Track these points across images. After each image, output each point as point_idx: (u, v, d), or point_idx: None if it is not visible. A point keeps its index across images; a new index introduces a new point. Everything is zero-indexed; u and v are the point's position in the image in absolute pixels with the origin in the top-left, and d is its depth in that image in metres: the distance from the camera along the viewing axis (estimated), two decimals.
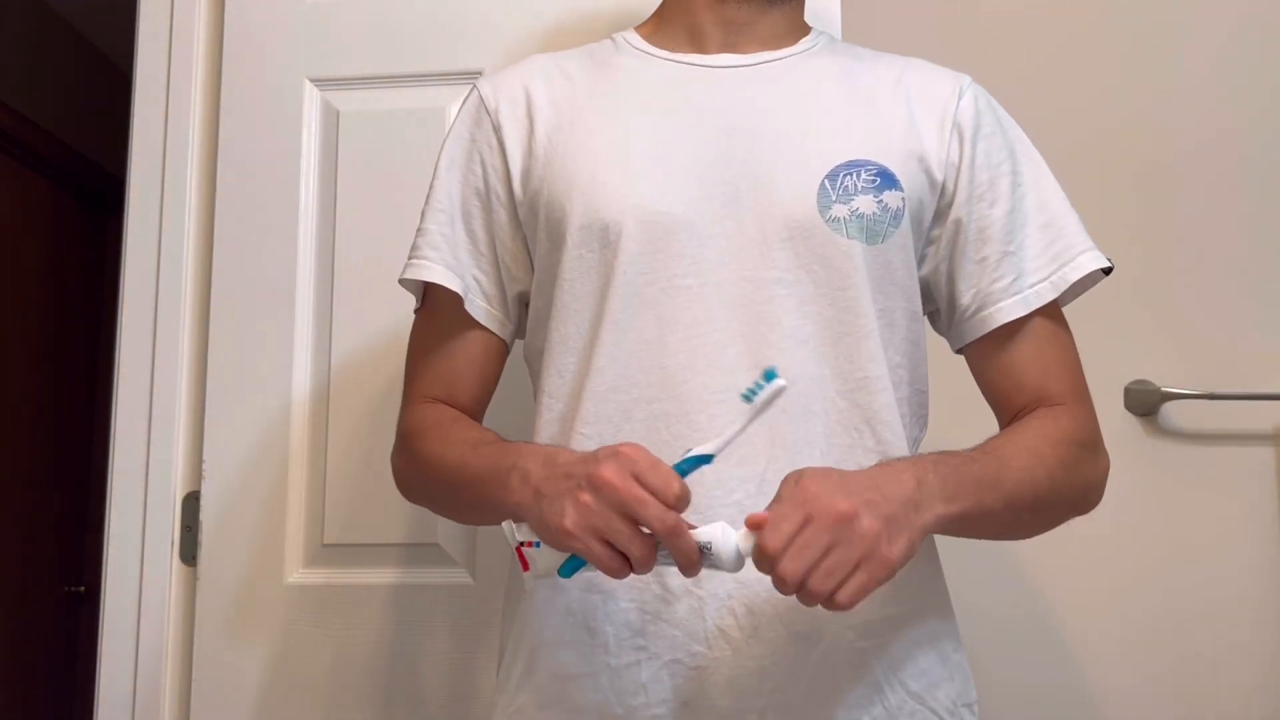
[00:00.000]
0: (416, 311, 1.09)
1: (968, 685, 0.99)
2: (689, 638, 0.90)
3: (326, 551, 1.43)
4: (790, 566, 0.76)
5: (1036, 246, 0.99)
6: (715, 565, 0.80)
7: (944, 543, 1.56)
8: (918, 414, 1.01)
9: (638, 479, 0.78)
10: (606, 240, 0.96)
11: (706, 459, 0.82)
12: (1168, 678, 1.46)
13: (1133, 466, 1.51)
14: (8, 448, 2.68)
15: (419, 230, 1.06)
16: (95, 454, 3.00)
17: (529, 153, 1.02)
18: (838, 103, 1.01)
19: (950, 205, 1.00)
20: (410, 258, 1.05)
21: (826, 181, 0.95)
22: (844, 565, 0.77)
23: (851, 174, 0.95)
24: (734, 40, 1.03)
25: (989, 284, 0.99)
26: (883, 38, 1.61)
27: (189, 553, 1.47)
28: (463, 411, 1.04)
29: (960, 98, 1.02)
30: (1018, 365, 0.99)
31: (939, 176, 0.99)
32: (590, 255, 0.97)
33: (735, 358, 0.93)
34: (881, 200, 0.95)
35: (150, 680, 1.45)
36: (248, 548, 1.44)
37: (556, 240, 0.99)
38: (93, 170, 3.01)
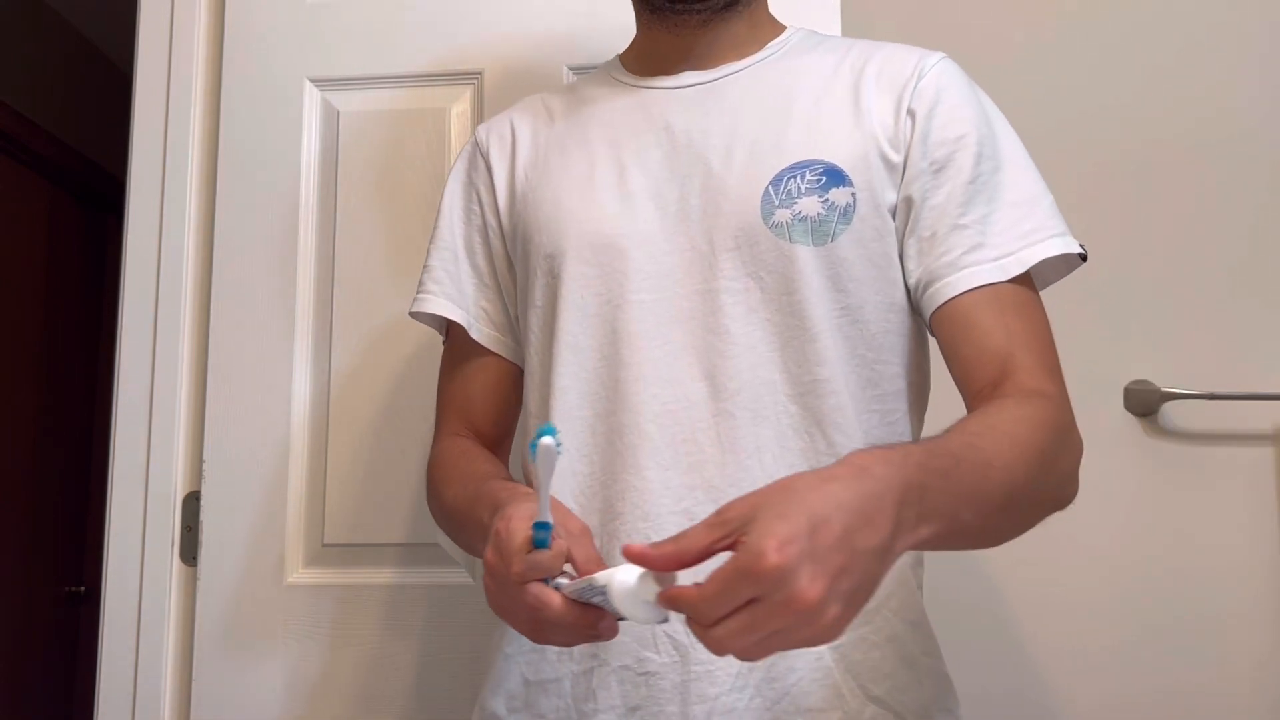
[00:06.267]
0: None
1: (945, 692, 0.96)
2: (638, 643, 0.92)
3: (326, 551, 1.43)
4: (720, 641, 0.65)
5: (1004, 222, 0.94)
6: (624, 617, 0.72)
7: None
8: (893, 412, 0.97)
9: (498, 551, 0.80)
10: (561, 266, 1.00)
11: (544, 525, 0.77)
12: (1167, 677, 1.47)
13: (1133, 466, 1.51)
14: (8, 448, 2.68)
15: (424, 267, 1.12)
16: (95, 454, 3.00)
17: (510, 190, 1.08)
18: (791, 104, 1.00)
19: (902, 185, 0.96)
20: (416, 294, 1.11)
21: (770, 188, 0.95)
22: (780, 646, 0.66)
23: (795, 176, 0.95)
24: (694, 58, 1.05)
25: (936, 258, 0.94)
26: (883, 36, 1.61)
27: (189, 553, 1.47)
28: (486, 437, 1.09)
29: (920, 78, 0.98)
30: (980, 331, 0.92)
31: (895, 158, 0.96)
32: (553, 281, 1.01)
33: (686, 368, 0.94)
34: (827, 199, 0.94)
35: (150, 680, 1.45)
36: (248, 548, 1.44)
37: (529, 269, 1.04)
38: (93, 170, 3.01)
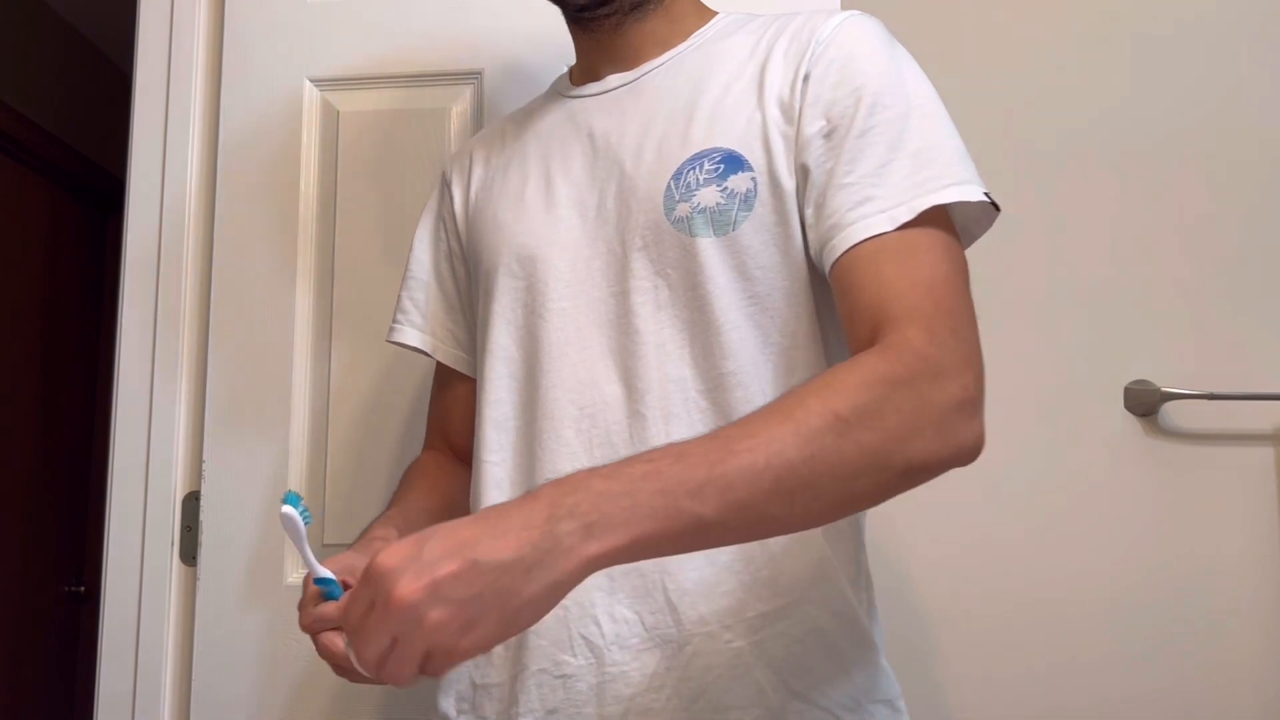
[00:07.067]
0: None
1: (879, 683, 0.93)
2: (555, 646, 0.92)
3: (326, 551, 1.43)
4: (360, 657, 0.70)
5: (901, 172, 0.86)
6: None
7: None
8: None
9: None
10: (494, 282, 1.03)
11: (323, 580, 0.84)
12: (1167, 678, 1.46)
13: (1133, 466, 1.51)
14: (8, 448, 2.68)
15: (397, 299, 1.18)
16: (95, 454, 3.00)
17: (465, 215, 1.12)
18: (701, 94, 0.97)
19: (795, 153, 0.92)
20: (390, 325, 1.19)
21: (671, 182, 0.94)
22: (410, 660, 0.69)
23: (695, 168, 0.93)
24: (617, 60, 1.05)
25: (824, 220, 0.88)
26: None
27: (189, 553, 1.47)
28: (460, 450, 1.13)
29: (820, 42, 0.93)
30: (855, 289, 0.85)
31: (790, 130, 0.92)
32: (487, 297, 1.04)
33: (604, 371, 0.95)
34: (725, 187, 0.92)
35: (150, 680, 1.45)
36: (248, 548, 1.44)
37: (477, 289, 1.08)
38: (93, 170, 3.01)
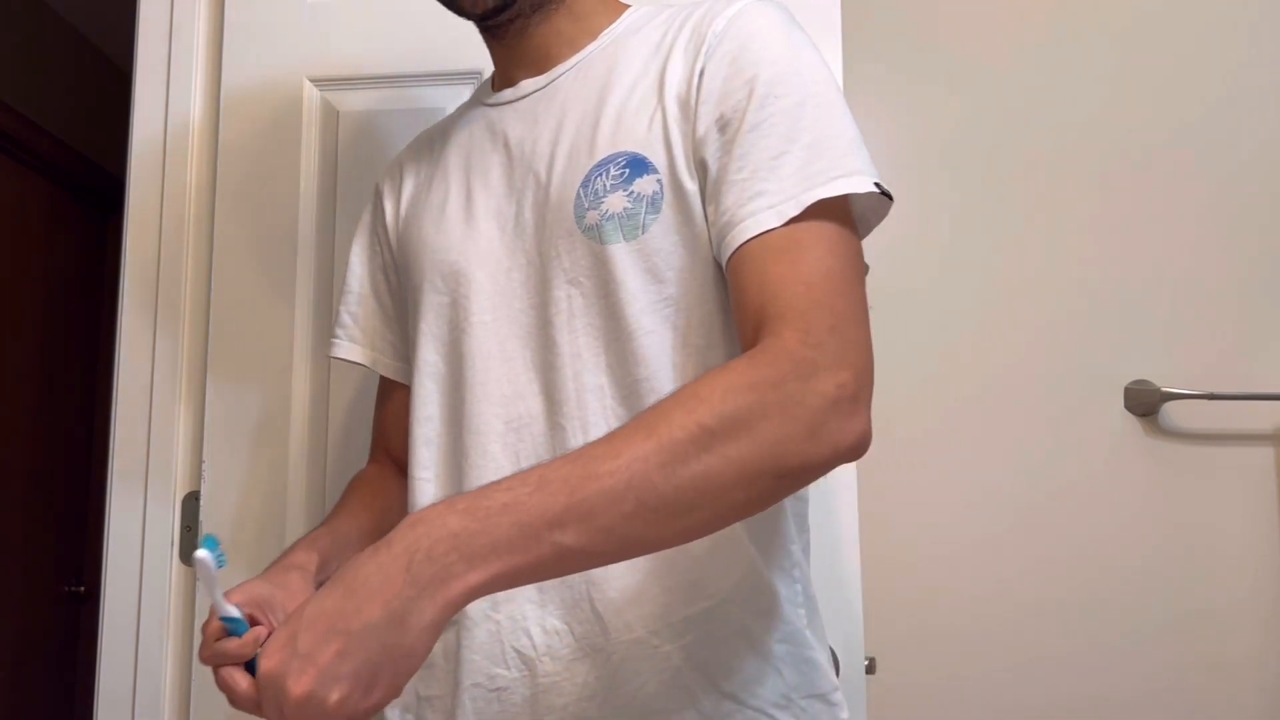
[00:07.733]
0: None
1: (812, 678, 0.92)
2: (488, 660, 0.92)
3: None
4: None
5: (793, 165, 0.84)
6: None
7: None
8: None
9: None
10: (420, 297, 1.02)
11: (230, 619, 0.85)
12: (1168, 677, 1.47)
13: (1133, 466, 1.51)
14: (8, 448, 2.68)
15: (335, 314, 1.18)
16: (95, 454, 3.00)
17: (396, 228, 1.11)
18: (607, 96, 0.95)
19: (693, 151, 0.90)
20: (330, 340, 1.18)
21: (581, 190, 0.92)
22: None
23: (601, 174, 0.91)
24: (528, 64, 1.03)
25: (719, 217, 0.86)
26: (883, 35, 1.61)
27: (189, 553, 1.47)
28: (401, 463, 1.10)
29: (715, 34, 0.91)
30: (739, 291, 0.83)
31: (688, 128, 0.90)
32: (415, 313, 1.03)
33: (527, 384, 0.94)
34: (632, 191, 0.90)
35: (150, 680, 1.45)
36: (247, 547, 1.44)
37: (408, 304, 1.07)
38: (93, 170, 3.01)
